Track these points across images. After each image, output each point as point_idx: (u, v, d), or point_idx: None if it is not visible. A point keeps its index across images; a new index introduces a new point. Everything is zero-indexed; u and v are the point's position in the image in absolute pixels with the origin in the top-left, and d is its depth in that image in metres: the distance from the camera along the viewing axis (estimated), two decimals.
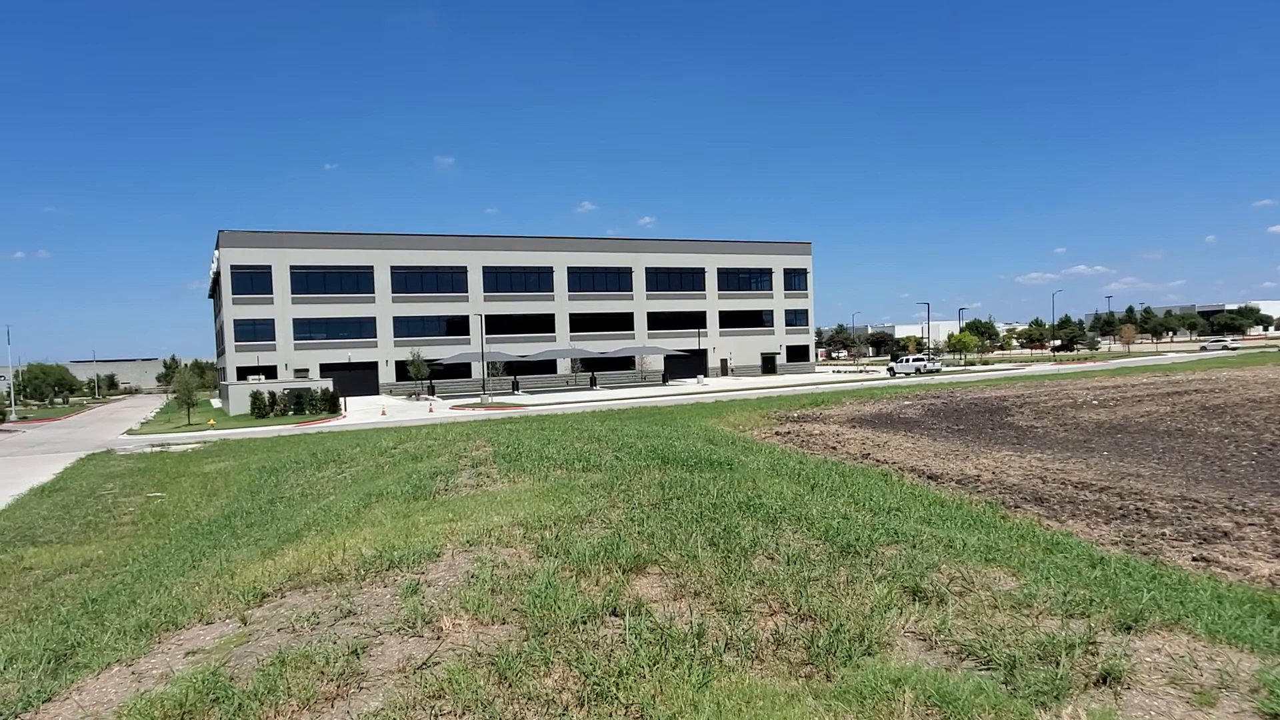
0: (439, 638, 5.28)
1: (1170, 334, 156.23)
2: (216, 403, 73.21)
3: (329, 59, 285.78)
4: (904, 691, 4.17)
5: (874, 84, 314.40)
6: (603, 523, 8.54)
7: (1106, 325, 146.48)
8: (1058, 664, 4.53)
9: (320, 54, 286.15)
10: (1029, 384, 48.92)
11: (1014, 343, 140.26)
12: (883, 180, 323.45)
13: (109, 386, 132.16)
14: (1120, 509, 13.16)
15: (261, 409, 50.24)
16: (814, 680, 4.50)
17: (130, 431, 46.08)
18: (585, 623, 5.33)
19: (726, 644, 4.97)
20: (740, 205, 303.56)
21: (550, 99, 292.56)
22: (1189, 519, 12.24)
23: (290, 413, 50.49)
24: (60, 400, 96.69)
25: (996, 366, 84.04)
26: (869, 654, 4.81)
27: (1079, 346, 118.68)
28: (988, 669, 4.62)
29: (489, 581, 6.38)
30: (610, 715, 4.11)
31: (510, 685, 4.42)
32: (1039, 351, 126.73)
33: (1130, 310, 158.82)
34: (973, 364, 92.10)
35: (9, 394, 69.25)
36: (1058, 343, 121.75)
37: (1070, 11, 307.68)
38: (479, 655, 4.85)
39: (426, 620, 5.59)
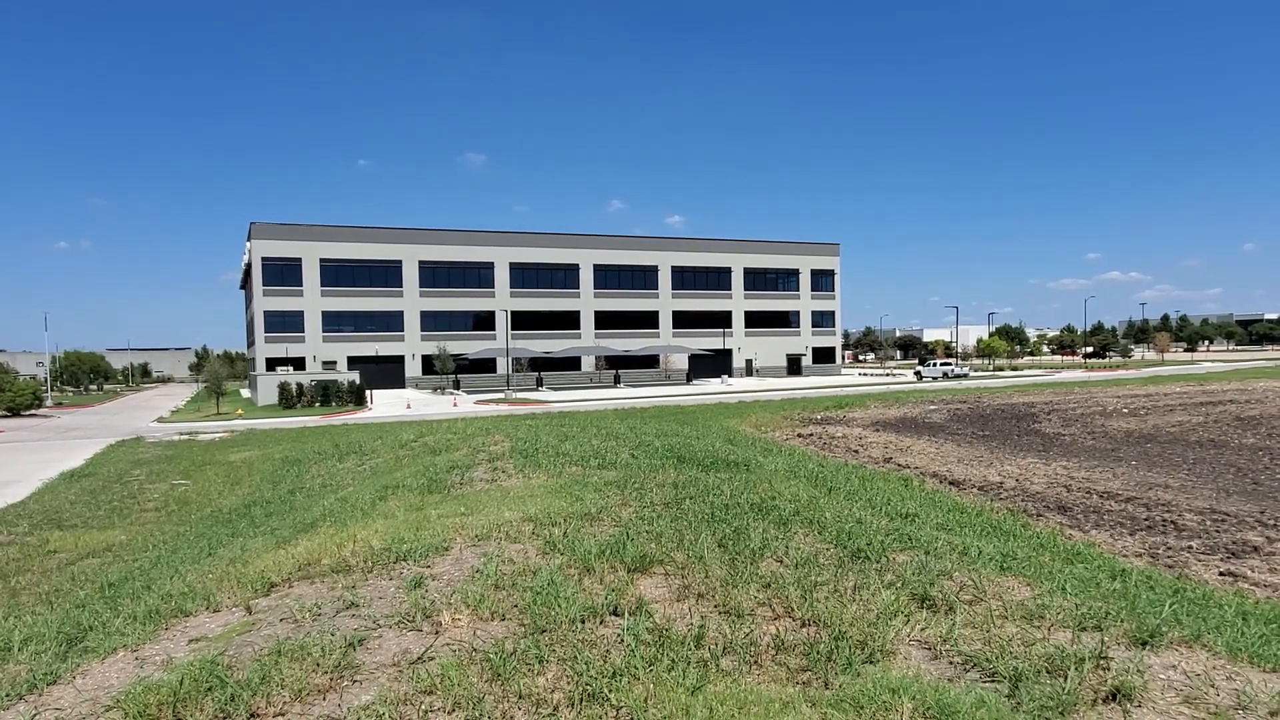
0: (437, 632, 5.24)
1: (1207, 343, 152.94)
2: (246, 393, 74.23)
3: (365, 56, 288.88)
4: (902, 701, 4.05)
5: (906, 87, 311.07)
6: (612, 521, 8.47)
7: (1140, 333, 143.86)
8: (1065, 678, 4.39)
9: (356, 51, 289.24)
10: (1058, 391, 48.16)
11: (1045, 349, 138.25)
12: (913, 183, 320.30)
13: (143, 375, 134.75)
14: (1146, 520, 12.86)
15: (289, 400, 50.88)
16: (811, 687, 4.40)
17: (161, 419, 46.88)
18: (584, 622, 5.27)
19: (725, 648, 4.87)
20: (770, 206, 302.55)
21: (584, 100, 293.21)
22: (1218, 532, 11.93)
23: (317, 404, 51.07)
24: (95, 387, 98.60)
25: (1026, 372, 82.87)
26: (870, 662, 4.69)
27: (1111, 354, 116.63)
28: (992, 681, 4.48)
29: (493, 577, 6.33)
30: (600, 717, 4.03)
31: (503, 683, 4.37)
32: (1070, 358, 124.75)
33: (1165, 318, 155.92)
34: (1001, 369, 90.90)
35: (45, 380, 70.70)
36: (1089, 350, 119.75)
37: (1106, 16, 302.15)
38: (475, 651, 4.81)
39: (427, 614, 5.56)
